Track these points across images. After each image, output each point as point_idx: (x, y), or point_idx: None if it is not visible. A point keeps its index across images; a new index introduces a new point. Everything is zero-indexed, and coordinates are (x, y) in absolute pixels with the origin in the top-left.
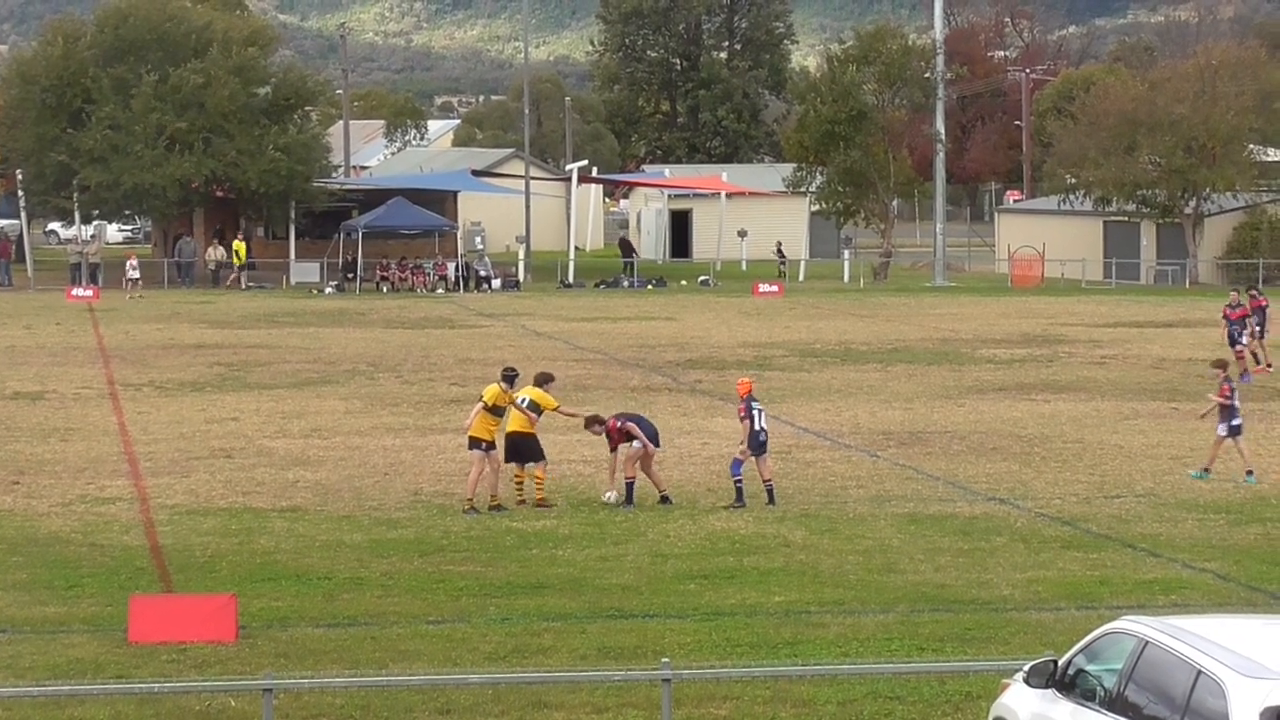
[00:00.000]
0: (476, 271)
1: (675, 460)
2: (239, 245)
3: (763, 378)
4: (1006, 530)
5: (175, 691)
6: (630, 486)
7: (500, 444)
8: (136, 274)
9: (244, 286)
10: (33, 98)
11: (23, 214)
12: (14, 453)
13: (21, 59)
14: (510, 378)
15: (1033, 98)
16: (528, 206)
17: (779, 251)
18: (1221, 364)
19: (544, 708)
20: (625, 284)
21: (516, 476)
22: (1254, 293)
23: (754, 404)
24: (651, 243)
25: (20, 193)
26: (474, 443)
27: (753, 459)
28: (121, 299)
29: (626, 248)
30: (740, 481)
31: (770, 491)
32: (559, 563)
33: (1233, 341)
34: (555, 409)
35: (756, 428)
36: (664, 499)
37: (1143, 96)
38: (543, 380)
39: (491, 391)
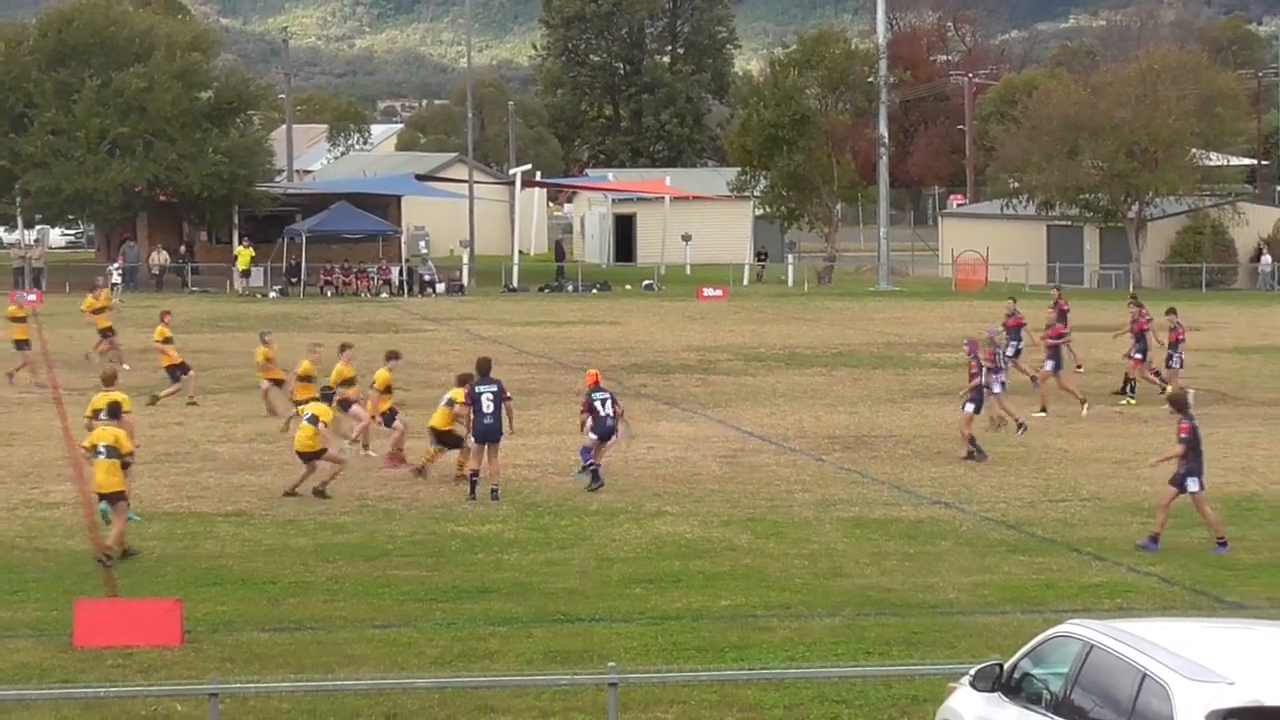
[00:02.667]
0: (420, 276)
1: (620, 464)
2: (242, 253)
3: (708, 381)
4: (952, 534)
5: (121, 696)
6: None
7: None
8: (117, 279)
9: (269, 295)
10: None
11: None
12: None
13: None
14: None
15: (975, 102)
16: (471, 211)
17: (760, 255)
18: (1179, 402)
19: (490, 712)
20: (569, 288)
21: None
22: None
23: (599, 394)
24: (595, 247)
25: None
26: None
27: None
28: (64, 304)
29: (560, 251)
30: (594, 465)
31: (595, 472)
32: (505, 567)
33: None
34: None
35: (603, 414)
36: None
37: (1085, 101)
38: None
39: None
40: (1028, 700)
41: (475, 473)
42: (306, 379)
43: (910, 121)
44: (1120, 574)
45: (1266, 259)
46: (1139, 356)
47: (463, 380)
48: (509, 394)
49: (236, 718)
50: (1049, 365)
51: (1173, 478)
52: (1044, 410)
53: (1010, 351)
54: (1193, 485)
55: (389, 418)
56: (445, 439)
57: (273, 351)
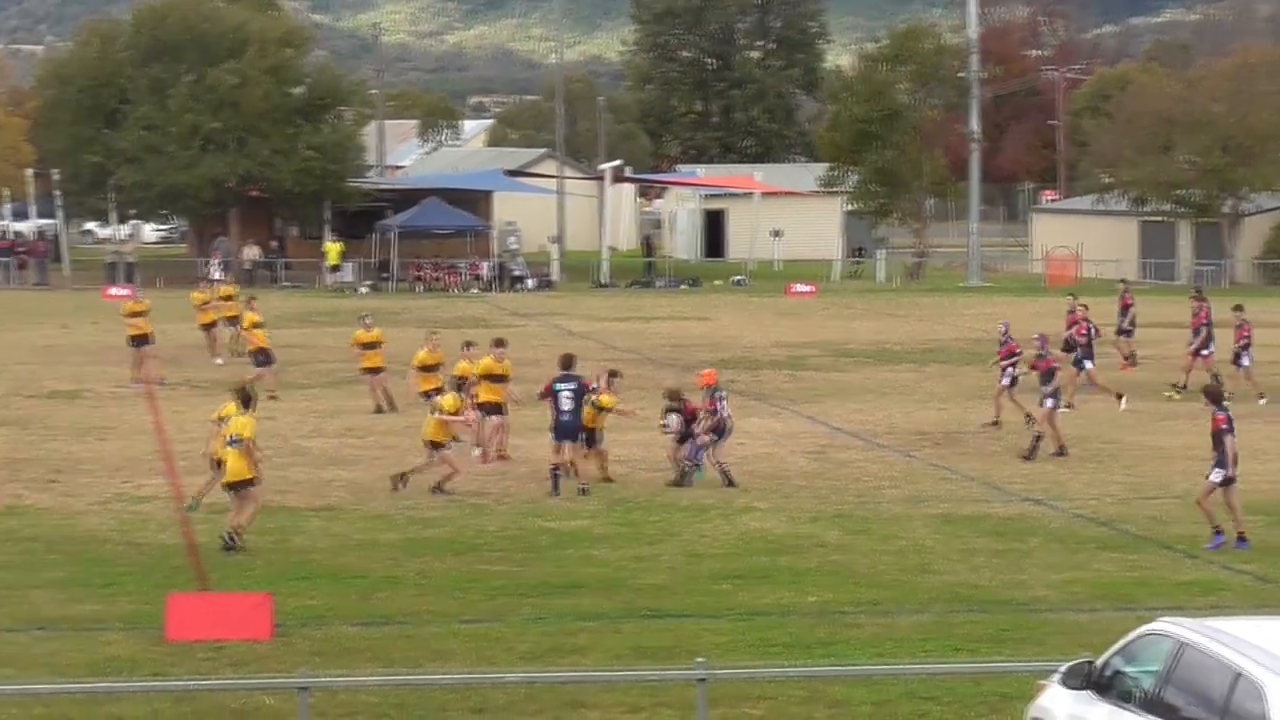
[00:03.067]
0: (510, 271)
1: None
2: (331, 247)
3: (797, 377)
4: (1042, 531)
5: (211, 689)
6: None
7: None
8: (217, 274)
9: (358, 291)
10: (69, 98)
11: (59, 214)
12: (51, 451)
13: (58, 59)
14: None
15: (1068, 97)
16: (561, 206)
17: (858, 251)
18: (1214, 393)
19: (578, 707)
20: (659, 284)
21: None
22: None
23: (719, 393)
24: (685, 242)
25: (57, 193)
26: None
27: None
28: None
29: (649, 247)
30: (695, 463)
31: (727, 475)
32: (594, 562)
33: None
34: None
35: (724, 415)
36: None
37: (1179, 95)
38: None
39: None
40: (1119, 698)
41: (557, 467)
42: (427, 369)
43: (1002, 116)
44: (1213, 572)
45: None
46: (1195, 350)
47: (458, 385)
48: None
49: (325, 711)
50: (1086, 363)
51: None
52: (1119, 397)
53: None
54: (1215, 476)
55: (491, 410)
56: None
57: (372, 335)
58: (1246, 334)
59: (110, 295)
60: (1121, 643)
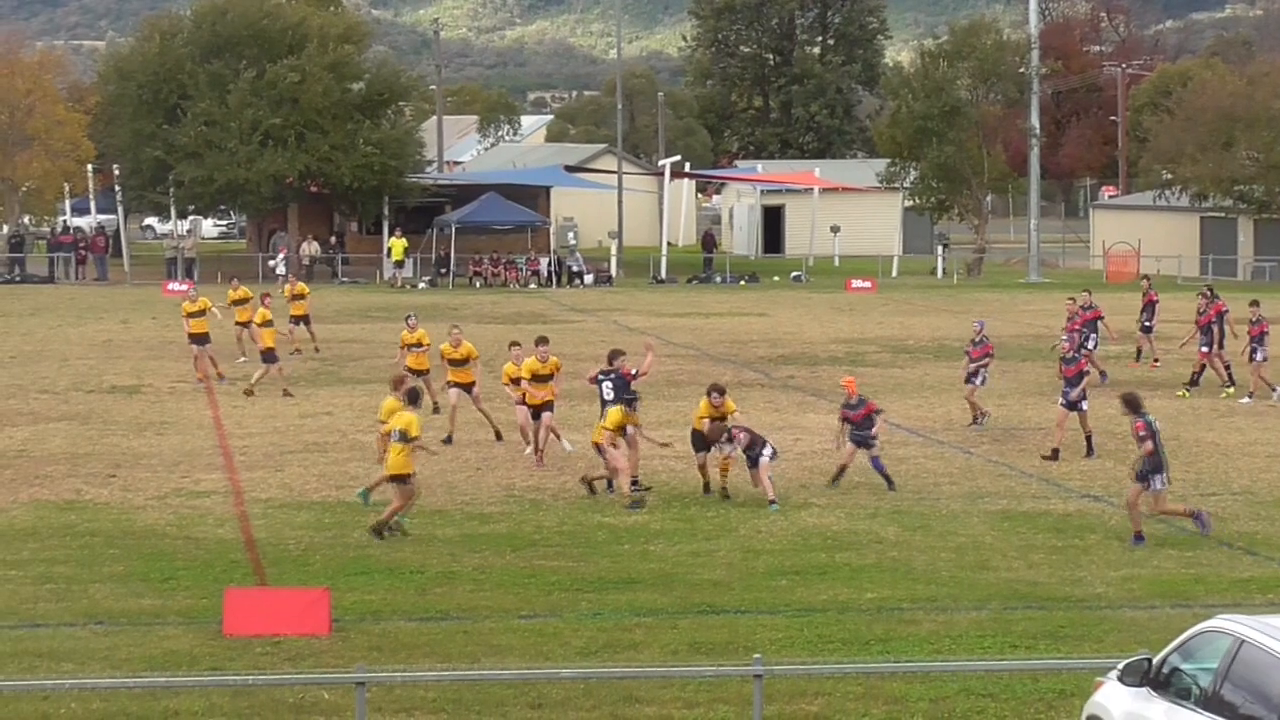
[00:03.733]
0: (569, 267)
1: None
2: (395, 243)
3: (855, 373)
4: (1101, 528)
5: (269, 684)
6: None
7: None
8: (281, 269)
9: (418, 286)
10: (130, 94)
11: (119, 209)
12: (110, 446)
13: (119, 55)
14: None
15: (1128, 93)
16: (620, 202)
17: (945, 247)
18: (1132, 401)
19: (635, 703)
20: (717, 280)
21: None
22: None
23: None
24: (744, 238)
25: (117, 188)
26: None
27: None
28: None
29: (708, 243)
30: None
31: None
32: (651, 558)
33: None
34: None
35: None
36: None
37: (1241, 91)
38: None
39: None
40: (1176, 695)
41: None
42: (455, 363)
43: (1062, 113)
44: (1272, 569)
45: None
46: (1205, 349)
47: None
48: (634, 371)
49: (382, 706)
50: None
51: (1138, 474)
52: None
53: (1090, 345)
54: (1157, 483)
55: (539, 409)
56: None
57: (415, 337)
58: (1265, 329)
59: (170, 291)
60: (1179, 640)
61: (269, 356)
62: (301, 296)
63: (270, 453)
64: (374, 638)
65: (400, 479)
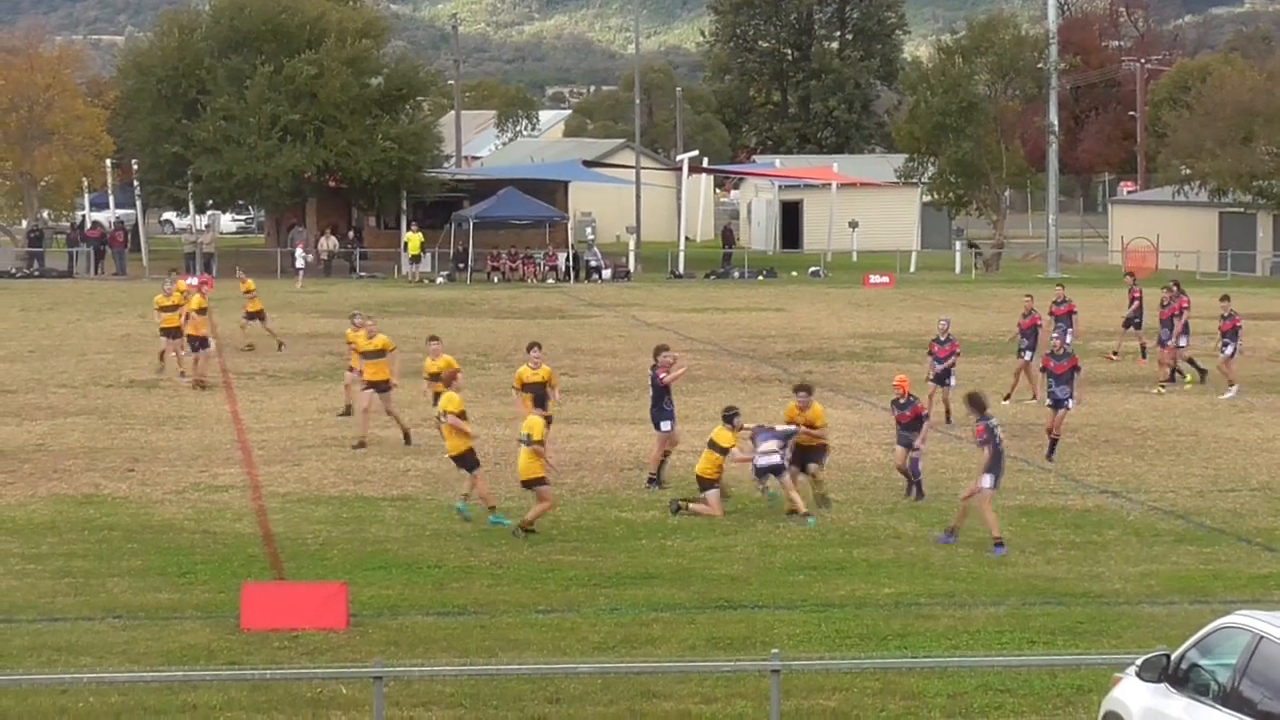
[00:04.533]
0: (587, 262)
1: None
2: (412, 238)
3: (873, 369)
4: (1119, 524)
5: (287, 678)
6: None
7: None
8: (302, 264)
9: (436, 281)
10: (148, 88)
11: (138, 203)
12: (129, 440)
13: (138, 50)
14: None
15: (1147, 88)
16: (638, 197)
17: (972, 244)
18: (977, 402)
19: (652, 697)
20: (735, 275)
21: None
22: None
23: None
24: (762, 233)
25: (136, 182)
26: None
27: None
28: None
29: (727, 237)
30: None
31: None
32: (668, 553)
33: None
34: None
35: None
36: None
37: (1260, 86)
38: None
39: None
40: (1195, 691)
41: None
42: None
43: (1081, 108)
44: None
45: None
46: (1169, 343)
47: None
48: (662, 375)
49: (400, 700)
50: (1028, 355)
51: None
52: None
53: (1069, 339)
54: (985, 482)
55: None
56: None
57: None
58: (1236, 324)
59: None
60: (1198, 636)
61: (199, 344)
62: (251, 293)
63: (288, 447)
64: (391, 632)
65: (533, 483)
